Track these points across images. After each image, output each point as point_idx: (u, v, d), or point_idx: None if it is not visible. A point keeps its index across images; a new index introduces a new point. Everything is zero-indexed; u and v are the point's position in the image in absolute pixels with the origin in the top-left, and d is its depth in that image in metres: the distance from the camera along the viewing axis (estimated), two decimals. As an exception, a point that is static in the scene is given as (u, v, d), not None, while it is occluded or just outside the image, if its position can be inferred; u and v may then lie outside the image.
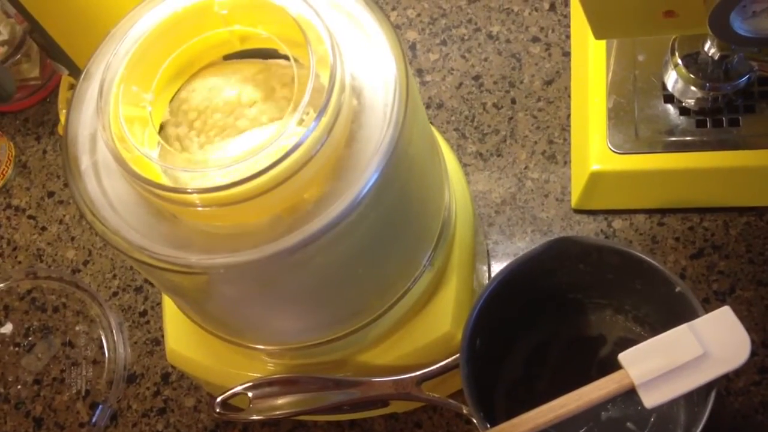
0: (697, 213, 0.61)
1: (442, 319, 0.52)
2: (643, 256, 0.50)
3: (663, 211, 0.62)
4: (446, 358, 0.51)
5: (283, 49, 0.44)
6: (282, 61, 0.47)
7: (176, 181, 0.41)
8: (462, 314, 0.52)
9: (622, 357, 0.47)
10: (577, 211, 0.63)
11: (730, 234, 0.60)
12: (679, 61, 0.59)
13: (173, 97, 0.46)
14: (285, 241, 0.40)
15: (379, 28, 0.45)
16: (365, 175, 0.40)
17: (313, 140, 0.40)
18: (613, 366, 0.56)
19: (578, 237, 0.52)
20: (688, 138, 0.60)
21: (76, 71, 0.69)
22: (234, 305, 0.46)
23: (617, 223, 0.62)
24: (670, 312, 0.51)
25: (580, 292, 0.56)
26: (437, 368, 0.50)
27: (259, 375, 0.52)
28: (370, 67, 0.44)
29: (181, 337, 0.54)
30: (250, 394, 0.49)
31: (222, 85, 0.46)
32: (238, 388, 0.50)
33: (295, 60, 0.43)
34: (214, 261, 0.40)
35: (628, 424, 0.55)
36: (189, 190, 0.39)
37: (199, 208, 0.40)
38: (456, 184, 0.55)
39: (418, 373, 0.50)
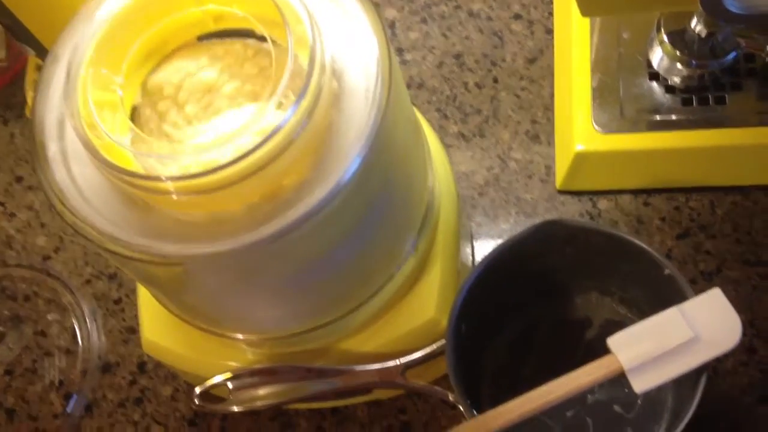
0: (683, 193, 0.60)
1: (427, 305, 0.51)
2: (631, 238, 0.49)
3: (649, 192, 0.61)
4: (431, 344, 0.50)
5: (260, 29, 0.42)
6: (259, 42, 0.45)
7: (149, 168, 0.39)
8: (447, 299, 0.51)
9: (611, 341, 0.46)
10: (562, 192, 0.62)
11: (717, 214, 0.59)
12: (665, 38, 0.58)
13: (145, 79, 0.44)
14: (264, 229, 0.38)
15: (359, 7, 0.43)
16: (347, 161, 0.39)
17: (292, 125, 0.38)
18: (600, 349, 0.56)
19: (565, 220, 0.51)
20: (673, 116, 0.59)
21: (43, 53, 0.67)
22: (211, 295, 0.44)
23: (602, 203, 0.61)
24: (658, 294, 0.50)
25: (566, 274, 0.55)
26: (422, 355, 0.49)
27: (238, 364, 0.51)
28: (351, 48, 0.42)
29: (157, 327, 0.53)
30: (229, 385, 0.48)
31: (196, 67, 0.44)
32: (218, 379, 0.48)
33: (273, 41, 0.42)
34: (191, 251, 0.38)
35: (615, 407, 0.54)
36: (163, 178, 0.38)
37: (174, 197, 0.39)
38: (439, 166, 0.54)
39: (402, 360, 0.49)
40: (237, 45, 0.45)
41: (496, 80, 0.66)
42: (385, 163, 0.42)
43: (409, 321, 0.51)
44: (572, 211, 0.61)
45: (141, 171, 0.38)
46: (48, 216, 0.68)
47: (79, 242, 0.67)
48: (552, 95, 0.65)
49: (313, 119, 0.39)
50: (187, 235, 0.39)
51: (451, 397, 0.48)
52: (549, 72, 0.66)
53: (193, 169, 0.38)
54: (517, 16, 0.68)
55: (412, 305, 0.51)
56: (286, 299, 0.45)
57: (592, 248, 0.52)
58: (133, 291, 0.64)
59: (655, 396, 0.54)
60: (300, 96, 0.38)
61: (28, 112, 0.71)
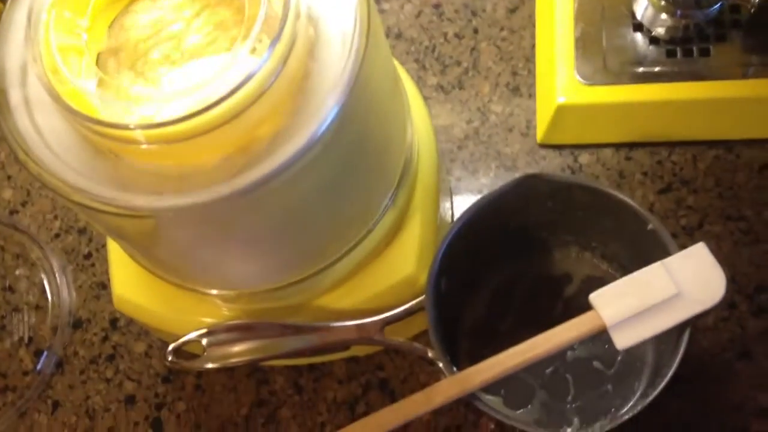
0: (665, 147, 0.59)
1: (406, 261, 0.50)
2: (614, 193, 0.48)
3: (631, 145, 0.60)
4: (410, 301, 0.49)
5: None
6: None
7: (116, 116, 0.37)
8: (426, 255, 0.50)
9: (593, 297, 0.45)
10: (543, 146, 0.61)
11: (699, 168, 0.58)
12: (651, -13, 0.57)
13: (111, 23, 0.42)
14: (238, 181, 0.37)
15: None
16: (323, 111, 0.37)
17: (266, 71, 0.36)
18: (580, 304, 0.55)
19: (547, 174, 0.49)
20: (657, 68, 0.57)
21: (6, -3, 0.64)
22: (184, 249, 0.43)
23: (584, 158, 0.60)
24: (641, 250, 0.49)
25: (546, 230, 0.54)
26: (401, 311, 0.48)
27: (213, 321, 0.49)
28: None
29: (129, 282, 0.51)
30: (204, 342, 0.47)
31: (165, 10, 0.42)
32: (191, 335, 0.47)
33: None
34: (161, 203, 0.37)
35: (595, 363, 0.54)
36: (131, 126, 0.36)
37: (143, 146, 0.37)
38: (418, 119, 0.52)
39: (381, 317, 0.48)
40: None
41: (476, 31, 0.65)
42: (363, 114, 0.40)
43: (388, 277, 0.49)
44: (553, 165, 0.60)
45: (108, 119, 0.37)
46: (14, 168, 0.66)
47: (48, 195, 0.65)
48: (533, 46, 0.64)
49: (288, 66, 0.37)
50: (158, 187, 0.37)
51: (430, 354, 0.48)
52: (530, 22, 0.64)
53: (163, 118, 0.36)
54: (499, -35, 0.67)
55: (391, 261, 0.50)
56: (260, 254, 0.44)
57: (574, 203, 0.51)
58: (104, 246, 0.62)
59: (635, 352, 0.53)
60: (274, 41, 0.36)
61: (-8, 61, 0.69)
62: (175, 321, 0.50)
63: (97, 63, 0.40)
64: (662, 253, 0.46)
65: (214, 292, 0.48)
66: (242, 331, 0.47)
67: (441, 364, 0.46)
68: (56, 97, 0.37)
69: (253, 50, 0.37)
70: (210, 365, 0.47)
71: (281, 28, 0.36)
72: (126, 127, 0.36)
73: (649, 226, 0.47)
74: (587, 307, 0.55)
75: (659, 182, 0.58)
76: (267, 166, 0.37)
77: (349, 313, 0.49)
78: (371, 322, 0.48)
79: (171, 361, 0.47)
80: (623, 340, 0.44)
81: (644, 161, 0.59)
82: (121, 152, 0.38)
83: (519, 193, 0.50)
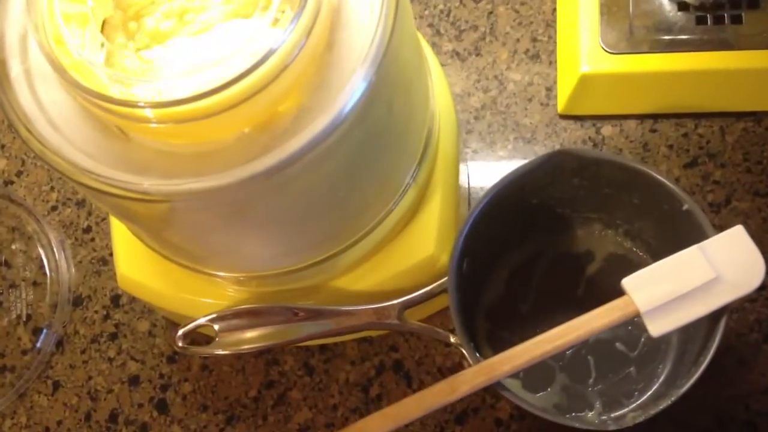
0: (691, 118, 0.57)
1: (426, 241, 0.47)
2: (650, 171, 0.46)
3: (655, 117, 0.57)
4: (429, 281, 0.47)
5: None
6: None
7: (125, 91, 0.35)
8: (446, 234, 0.48)
9: (626, 282, 0.43)
10: (564, 117, 0.58)
11: (727, 141, 0.56)
12: (682, -50, 0.54)
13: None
14: (260, 162, 0.34)
15: None
16: (350, 86, 0.35)
17: (290, 45, 0.34)
18: (603, 283, 0.53)
19: (576, 149, 0.47)
20: (686, 36, 0.55)
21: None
22: (197, 233, 0.40)
23: (606, 129, 0.57)
24: (672, 230, 0.47)
25: (569, 206, 0.52)
26: (421, 294, 0.46)
27: (222, 302, 0.47)
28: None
29: (134, 261, 0.49)
30: (216, 327, 0.44)
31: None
32: (202, 320, 0.45)
33: None
34: (177, 187, 0.34)
35: (618, 344, 0.52)
36: (142, 104, 0.33)
37: (155, 125, 0.34)
38: (438, 89, 0.49)
39: (400, 300, 0.45)
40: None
41: (493, -6, 0.62)
42: (391, 87, 0.38)
43: (407, 257, 0.47)
44: (574, 137, 0.57)
45: (117, 95, 0.34)
46: (8, 137, 0.63)
47: (44, 166, 0.62)
48: (554, 11, 0.61)
49: (312, 38, 0.34)
50: (172, 168, 0.34)
51: (452, 339, 0.46)
52: (551, -15, 0.61)
53: (177, 94, 0.34)
54: (517, -76, 0.63)
55: (410, 241, 0.47)
56: (277, 236, 0.41)
57: (601, 180, 0.48)
58: (104, 219, 0.60)
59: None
60: (299, 12, 0.33)
61: (-18, 23, 0.65)
62: (183, 302, 0.48)
63: (102, 31, 0.37)
64: (697, 234, 0.44)
65: (226, 274, 0.45)
66: (253, 316, 0.45)
67: (465, 351, 0.44)
68: (61, 71, 0.34)
69: (275, 22, 0.34)
70: (221, 351, 0.44)
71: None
72: (137, 105, 0.33)
73: (685, 207, 0.45)
74: (610, 285, 0.53)
75: (685, 156, 0.56)
76: (291, 146, 0.34)
77: (366, 295, 0.47)
78: (390, 305, 0.45)
79: (181, 347, 0.44)
80: (658, 327, 0.42)
81: (669, 133, 0.57)
82: (130, 130, 0.35)
83: (546, 170, 0.47)
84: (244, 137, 0.35)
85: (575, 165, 0.47)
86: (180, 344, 0.44)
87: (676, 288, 0.42)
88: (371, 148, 0.39)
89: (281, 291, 0.47)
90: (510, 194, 0.48)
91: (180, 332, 0.44)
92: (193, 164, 0.35)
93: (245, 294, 0.47)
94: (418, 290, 0.47)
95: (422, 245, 0.47)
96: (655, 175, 0.45)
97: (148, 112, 0.33)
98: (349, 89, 0.34)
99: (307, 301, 0.47)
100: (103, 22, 0.38)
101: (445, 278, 0.46)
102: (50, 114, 0.36)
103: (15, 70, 0.36)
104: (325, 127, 0.34)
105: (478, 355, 0.44)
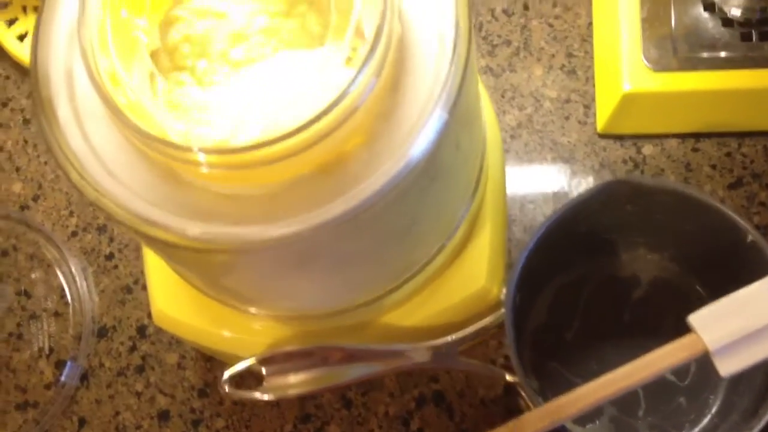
0: (734, 137, 0.55)
1: (477, 273, 0.45)
2: (714, 203, 0.44)
3: (697, 136, 0.56)
4: (479, 314, 0.45)
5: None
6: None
7: (187, 135, 0.32)
8: (496, 264, 0.46)
9: (693, 319, 0.41)
10: (603, 136, 0.56)
11: (771, 161, 0.55)
12: (727, -36, 0.52)
13: (164, 18, 0.37)
14: (333, 208, 0.32)
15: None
16: (425, 127, 0.33)
17: (362, 85, 0.31)
18: (650, 309, 0.52)
19: (635, 179, 0.46)
20: (730, 53, 0.53)
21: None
22: (250, 277, 0.38)
23: (647, 148, 0.56)
24: (729, 259, 0.45)
25: (617, 231, 0.50)
26: (476, 330, 0.44)
27: (265, 340, 0.45)
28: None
29: (171, 296, 0.46)
30: (263, 371, 0.42)
31: (224, 4, 0.37)
32: (247, 363, 0.43)
33: None
34: (249, 236, 0.32)
35: (668, 374, 0.50)
36: (208, 150, 0.31)
37: (219, 170, 0.32)
38: (485, 113, 0.47)
39: (456, 337, 0.44)
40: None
41: (526, 7, 0.60)
42: (460, 125, 0.36)
43: (458, 291, 0.45)
44: (615, 156, 0.56)
45: (179, 141, 0.32)
46: (23, 158, 0.60)
47: (62, 189, 0.59)
48: (589, 25, 0.59)
49: (382, 76, 0.32)
50: (239, 214, 0.32)
51: (509, 378, 0.44)
52: (585, -1, 0.60)
53: (243, 138, 0.31)
54: (548, -66, 0.61)
55: (461, 273, 0.45)
56: (332, 279, 0.39)
57: (657, 206, 0.47)
58: (127, 245, 0.57)
59: (709, 362, 0.50)
60: (373, 49, 0.31)
61: (-9, 38, 0.62)
62: (223, 339, 0.46)
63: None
64: (761, 267, 0.43)
65: (270, 313, 0.43)
66: (304, 357, 0.43)
67: (524, 393, 0.42)
68: (118, 113, 0.32)
69: (349, 60, 0.32)
70: (270, 396, 0.42)
71: (379, 33, 0.32)
72: (203, 152, 0.31)
73: (749, 239, 0.43)
74: (657, 311, 0.52)
75: (729, 176, 0.55)
76: (365, 191, 0.32)
77: (416, 331, 0.45)
78: (444, 343, 0.44)
79: (228, 392, 0.42)
80: (728, 366, 0.40)
81: (712, 153, 0.55)
82: (190, 174, 0.33)
83: (599, 199, 0.45)
84: (308, 179, 0.33)
85: (629, 192, 0.45)
86: (227, 389, 0.42)
87: (747, 324, 0.40)
88: (436, 186, 0.37)
89: (327, 329, 0.45)
90: (563, 224, 0.46)
91: (226, 375, 0.42)
92: (260, 208, 0.32)
93: (288, 331, 0.45)
94: (468, 323, 0.45)
95: (474, 277, 0.45)
96: (718, 206, 0.44)
97: (214, 159, 0.31)
98: (424, 131, 0.33)
99: (354, 339, 0.45)
100: (151, 54, 0.36)
101: (500, 312, 0.44)
102: (102, 156, 0.33)
103: (63, 109, 0.34)
104: (400, 170, 0.32)
105: (540, 399, 0.42)
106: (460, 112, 0.35)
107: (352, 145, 0.33)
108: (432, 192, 0.37)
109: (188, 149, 0.31)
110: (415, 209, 0.36)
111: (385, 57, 0.32)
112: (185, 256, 0.35)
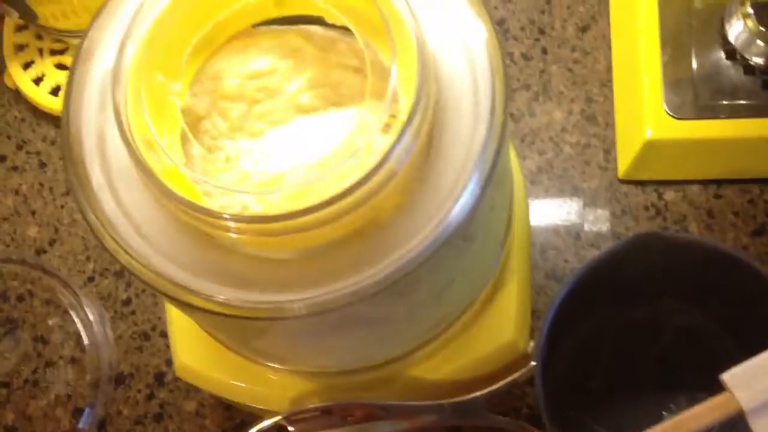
0: (757, 184, 0.55)
1: (504, 325, 0.45)
2: (751, 261, 0.44)
3: (719, 182, 0.55)
4: (506, 367, 0.45)
5: (335, 17, 0.35)
6: (327, 30, 0.38)
7: (224, 201, 0.32)
8: (523, 316, 0.46)
9: (727, 377, 0.41)
10: (624, 181, 0.56)
11: (794, 207, 0.55)
12: (750, 11, 0.52)
13: (194, 77, 0.37)
14: (371, 274, 0.32)
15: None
16: (463, 192, 0.32)
17: (401, 151, 0.31)
18: (675, 358, 0.51)
19: (666, 233, 0.45)
20: (752, 101, 0.53)
21: (29, 15, 0.58)
22: (278, 339, 0.38)
23: (669, 195, 0.56)
24: (758, 310, 0.45)
25: (643, 281, 0.50)
26: (505, 384, 0.43)
27: (290, 394, 0.44)
28: (444, 34, 0.35)
29: (194, 349, 0.46)
30: (291, 429, 0.42)
31: (256, 62, 0.37)
32: (272, 422, 0.42)
33: (346, 28, 0.35)
34: (280, 304, 0.31)
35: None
36: (247, 219, 0.31)
37: (255, 237, 0.32)
38: (512, 162, 0.47)
39: (484, 392, 0.43)
40: (302, 35, 0.37)
41: (545, 51, 0.60)
42: (495, 185, 0.35)
43: (486, 344, 0.45)
44: (636, 202, 0.56)
45: (217, 208, 0.31)
46: (38, 202, 0.60)
47: (78, 234, 0.59)
48: (608, 69, 0.59)
49: (420, 141, 0.32)
50: (277, 280, 0.32)
51: (538, 433, 0.43)
52: (604, 43, 0.60)
53: (282, 205, 0.31)
54: (566, -22, 0.62)
55: (488, 326, 0.45)
56: (364, 339, 0.39)
57: (685, 258, 0.46)
58: (144, 291, 0.57)
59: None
60: (412, 116, 0.31)
61: (7, 80, 0.62)
62: (248, 393, 0.45)
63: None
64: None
65: (301, 369, 0.43)
66: (329, 414, 0.42)
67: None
68: (153, 179, 0.31)
69: (386, 128, 0.31)
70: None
71: (417, 100, 0.31)
72: (239, 220, 0.31)
73: (779, 292, 0.43)
74: (684, 360, 0.51)
75: (752, 223, 0.54)
76: (404, 257, 0.32)
77: (442, 385, 0.45)
78: (473, 398, 0.43)
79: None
80: (764, 425, 0.40)
81: (735, 200, 0.55)
82: (226, 240, 0.33)
83: (628, 251, 0.45)
84: (342, 243, 0.33)
85: (661, 245, 0.45)
86: (254, 446, 0.42)
87: (782, 383, 0.40)
88: (471, 247, 0.36)
89: (350, 383, 0.44)
90: (588, 276, 0.46)
91: (253, 432, 0.42)
92: (299, 273, 0.32)
93: (313, 385, 0.44)
94: (495, 375, 0.45)
95: (501, 330, 0.45)
96: (755, 265, 0.44)
97: (248, 226, 0.31)
98: (462, 196, 0.32)
99: (378, 393, 0.44)
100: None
101: (528, 366, 0.44)
102: (136, 220, 0.33)
103: (96, 172, 0.33)
104: (438, 236, 0.32)
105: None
106: (497, 174, 0.34)
107: (388, 208, 0.33)
108: (467, 253, 0.36)
109: (224, 216, 0.31)
110: (450, 271, 0.36)
111: (423, 122, 0.32)
112: (213, 318, 0.35)
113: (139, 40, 0.33)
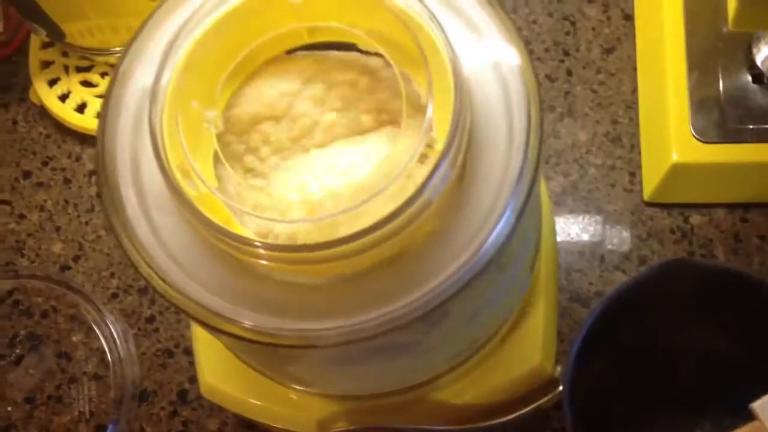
0: (783, 207, 0.55)
1: (531, 350, 0.45)
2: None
3: (745, 206, 0.55)
4: (531, 390, 0.45)
5: (369, 44, 0.35)
6: (360, 55, 0.38)
7: (261, 228, 0.32)
8: (550, 340, 0.46)
9: (757, 407, 0.41)
10: (649, 204, 0.56)
11: (820, 231, 0.54)
12: (778, 37, 0.52)
13: (227, 104, 0.37)
14: (412, 301, 0.31)
15: (483, 11, 0.36)
16: (498, 223, 0.32)
17: (437, 180, 0.31)
18: (699, 383, 0.51)
19: (696, 260, 0.45)
20: (781, 125, 0.53)
21: (56, 32, 0.58)
22: (307, 366, 0.38)
23: (695, 218, 0.55)
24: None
25: (668, 305, 0.50)
26: (532, 409, 0.43)
27: (315, 415, 0.45)
28: (478, 62, 0.35)
29: (220, 369, 0.46)
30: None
31: (289, 87, 0.37)
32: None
33: (378, 55, 0.35)
34: (324, 332, 0.31)
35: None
36: (285, 249, 0.31)
37: (287, 264, 0.32)
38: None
39: (512, 417, 0.43)
40: (335, 61, 0.38)
41: (569, 72, 0.60)
42: (529, 213, 0.35)
43: (512, 368, 0.45)
44: (661, 225, 0.55)
45: (255, 237, 0.31)
46: (63, 218, 0.60)
47: (102, 250, 0.59)
48: (633, 91, 0.59)
49: (456, 170, 0.32)
50: (314, 307, 0.32)
51: (565, 459, 0.43)
52: (629, 65, 0.59)
53: (316, 234, 0.31)
54: (591, -1, 0.62)
55: (515, 350, 0.45)
56: (386, 366, 0.39)
57: (714, 285, 0.46)
58: (168, 308, 0.57)
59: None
60: (449, 146, 0.31)
61: (32, 96, 0.63)
62: (274, 414, 0.45)
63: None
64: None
65: (322, 392, 0.43)
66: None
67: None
68: (189, 207, 0.31)
69: (423, 158, 0.31)
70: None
71: (455, 130, 0.31)
72: (278, 249, 0.31)
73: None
74: (707, 385, 0.51)
75: (778, 247, 0.54)
76: (438, 287, 0.32)
77: (468, 408, 0.45)
78: (500, 423, 0.43)
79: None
80: (794, 455, 0.40)
81: (761, 223, 0.55)
82: (260, 266, 0.33)
83: (656, 278, 0.45)
84: (374, 271, 0.33)
85: (690, 273, 0.45)
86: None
87: (812, 412, 0.40)
88: (504, 275, 0.36)
89: (378, 405, 0.44)
90: (615, 302, 0.46)
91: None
92: (334, 300, 0.32)
93: (340, 408, 0.45)
94: (520, 399, 0.45)
95: (528, 354, 0.45)
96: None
97: (287, 255, 0.31)
98: (498, 227, 0.32)
99: (404, 416, 0.44)
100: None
101: (556, 391, 0.44)
102: (170, 246, 0.33)
103: (131, 199, 0.34)
104: (472, 266, 0.32)
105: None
106: (533, 197, 0.34)
107: (421, 236, 0.33)
108: (499, 280, 0.36)
109: (259, 245, 0.31)
110: (482, 298, 0.36)
111: (459, 151, 0.32)
112: (243, 343, 0.35)
113: (175, 68, 0.33)
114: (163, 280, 0.33)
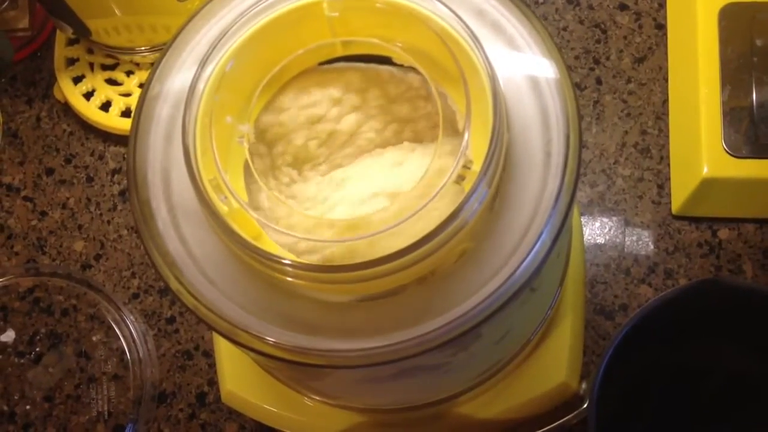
0: (813, 224, 0.54)
1: (557, 367, 0.44)
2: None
3: (775, 221, 0.55)
4: (556, 408, 0.44)
5: (404, 58, 0.35)
6: (394, 68, 0.37)
7: (287, 244, 0.32)
8: (575, 358, 0.45)
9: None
10: (677, 217, 0.55)
11: None
12: (814, 53, 0.51)
13: (259, 116, 0.36)
14: (443, 323, 0.31)
15: (519, 25, 0.35)
16: (534, 246, 0.32)
17: (474, 201, 0.31)
18: (725, 402, 0.50)
19: (728, 279, 0.44)
20: (813, 141, 0.52)
21: (82, 29, 0.58)
22: (341, 382, 0.37)
23: (723, 233, 0.55)
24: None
25: (697, 324, 0.49)
26: (557, 426, 0.43)
27: (336, 427, 0.44)
28: (516, 80, 0.34)
29: (242, 377, 0.46)
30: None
31: (321, 100, 0.36)
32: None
33: (414, 69, 0.34)
34: (355, 353, 0.31)
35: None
36: (320, 267, 0.30)
37: (321, 284, 0.31)
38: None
39: (536, 435, 0.43)
40: (369, 73, 0.37)
41: (599, 81, 0.59)
42: (563, 234, 0.35)
43: (537, 385, 0.44)
44: (689, 239, 0.55)
45: (288, 258, 0.31)
46: (86, 216, 0.60)
47: (124, 250, 0.59)
48: (664, 102, 0.58)
49: (491, 190, 0.32)
50: (338, 326, 0.31)
51: (589, 479, 0.43)
52: (660, 75, 0.59)
53: (348, 254, 0.31)
54: (623, 6, 0.61)
55: (540, 367, 0.44)
56: (413, 383, 0.38)
57: (745, 305, 0.45)
58: (189, 310, 0.57)
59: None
60: (486, 167, 0.31)
61: (56, 93, 0.62)
62: (294, 422, 0.45)
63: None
64: None
65: (346, 405, 0.42)
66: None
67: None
68: (222, 223, 0.31)
69: (460, 179, 0.31)
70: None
71: (492, 151, 0.31)
72: (311, 269, 0.30)
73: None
74: (733, 404, 0.50)
75: (808, 264, 0.54)
76: (484, 301, 0.31)
77: (491, 424, 0.44)
78: (524, 441, 0.43)
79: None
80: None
81: (790, 240, 0.54)
82: (288, 283, 0.32)
83: (686, 297, 0.44)
84: (406, 291, 0.32)
85: (721, 292, 0.44)
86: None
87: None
88: (535, 295, 0.36)
89: (400, 418, 0.44)
90: (643, 321, 0.45)
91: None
92: (366, 319, 0.32)
93: (362, 419, 0.44)
94: (544, 416, 0.44)
95: (553, 372, 0.44)
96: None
97: (320, 275, 0.30)
98: (534, 247, 0.32)
99: (427, 429, 0.44)
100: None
101: (581, 409, 0.43)
102: (200, 261, 0.33)
103: (162, 213, 0.33)
104: (508, 287, 0.31)
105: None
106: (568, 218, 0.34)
107: (454, 256, 0.32)
108: (530, 300, 0.36)
109: (290, 264, 0.30)
110: (513, 318, 0.36)
111: (495, 173, 0.31)
112: (274, 364, 0.35)
113: (208, 82, 0.33)
114: (195, 297, 0.32)
